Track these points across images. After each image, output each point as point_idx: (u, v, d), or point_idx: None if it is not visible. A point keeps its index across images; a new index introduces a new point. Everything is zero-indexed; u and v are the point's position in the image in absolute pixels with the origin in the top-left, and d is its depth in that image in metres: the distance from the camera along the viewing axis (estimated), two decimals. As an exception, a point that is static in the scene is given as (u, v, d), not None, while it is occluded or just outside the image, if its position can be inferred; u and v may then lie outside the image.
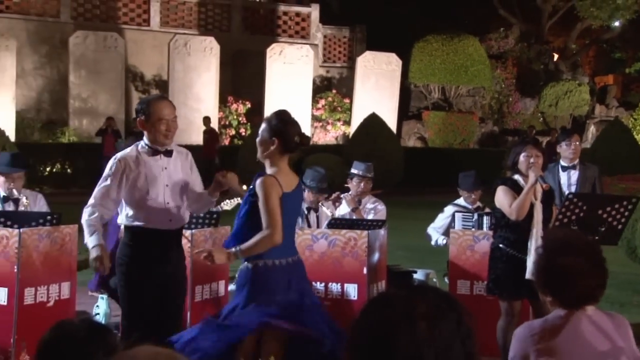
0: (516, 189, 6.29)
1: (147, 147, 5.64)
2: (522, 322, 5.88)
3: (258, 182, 5.02)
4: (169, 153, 5.66)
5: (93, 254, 5.50)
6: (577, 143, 8.11)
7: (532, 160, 6.29)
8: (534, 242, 6.16)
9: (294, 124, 5.15)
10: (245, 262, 5.13)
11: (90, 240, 5.52)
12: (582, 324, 3.21)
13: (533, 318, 6.28)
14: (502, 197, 6.34)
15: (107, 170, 5.65)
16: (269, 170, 5.08)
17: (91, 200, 5.62)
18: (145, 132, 5.66)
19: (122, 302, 5.72)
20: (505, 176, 6.65)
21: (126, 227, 5.61)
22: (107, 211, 5.62)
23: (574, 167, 8.05)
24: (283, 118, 5.13)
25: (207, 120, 23.25)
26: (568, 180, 7.99)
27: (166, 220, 5.53)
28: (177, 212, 5.60)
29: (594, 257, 3.24)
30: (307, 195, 8.12)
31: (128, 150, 5.73)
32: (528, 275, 6.14)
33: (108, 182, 5.60)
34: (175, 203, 5.62)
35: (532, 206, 6.25)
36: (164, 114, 5.56)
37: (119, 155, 5.73)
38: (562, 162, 8.07)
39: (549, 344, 3.18)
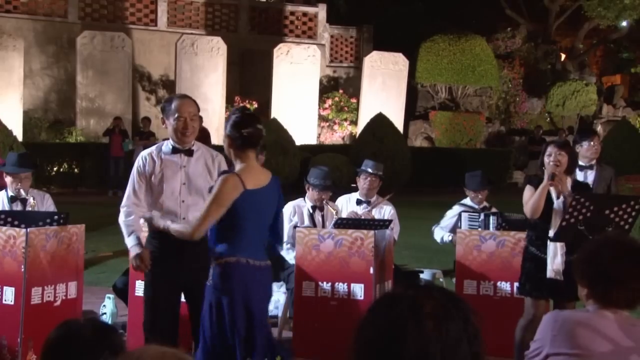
0: None
1: (169, 145, 5.71)
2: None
3: (219, 178, 4.93)
4: (189, 152, 5.70)
5: (132, 252, 5.60)
6: (599, 143, 8.18)
7: (551, 159, 6.32)
8: (553, 243, 6.19)
9: (243, 119, 4.98)
10: (215, 262, 5.00)
11: (129, 241, 5.63)
12: (602, 323, 3.19)
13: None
14: (525, 196, 6.43)
15: (133, 169, 5.73)
16: (236, 167, 5.01)
17: (124, 201, 5.71)
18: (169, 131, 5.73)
19: (144, 295, 5.79)
20: (531, 175, 6.68)
21: (148, 222, 5.70)
22: (141, 209, 5.68)
23: (590, 167, 8.08)
24: (233, 114, 5.06)
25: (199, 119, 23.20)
26: (584, 179, 8.02)
27: (180, 218, 5.54)
28: (194, 211, 5.50)
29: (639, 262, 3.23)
30: (312, 193, 8.13)
31: (153, 147, 5.81)
32: (549, 274, 6.18)
33: (134, 180, 5.69)
34: (193, 202, 5.63)
35: (552, 205, 6.28)
36: (182, 111, 5.60)
37: (143, 152, 5.81)
38: (580, 162, 8.10)
39: (566, 333, 3.17)
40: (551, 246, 6.21)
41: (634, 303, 3.25)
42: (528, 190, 6.42)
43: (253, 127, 4.97)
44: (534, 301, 6.36)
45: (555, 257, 6.18)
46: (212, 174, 5.70)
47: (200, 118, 21.62)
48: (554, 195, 6.31)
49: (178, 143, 5.68)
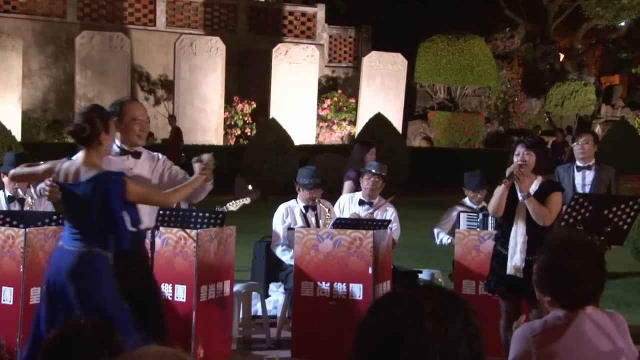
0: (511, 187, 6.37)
1: (116, 147, 5.77)
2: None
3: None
4: (137, 155, 5.80)
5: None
6: (588, 144, 8.09)
7: (519, 158, 6.33)
8: (513, 239, 6.24)
9: (76, 117, 5.28)
10: None
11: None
12: (583, 324, 3.19)
13: (528, 314, 6.32)
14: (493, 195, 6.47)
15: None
16: None
17: None
18: (117, 133, 5.72)
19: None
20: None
21: None
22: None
23: (589, 168, 8.05)
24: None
25: (172, 119, 23.02)
26: (582, 180, 8.01)
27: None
28: (143, 214, 5.66)
29: (596, 258, 3.24)
30: (303, 194, 8.13)
31: None
32: (508, 271, 6.22)
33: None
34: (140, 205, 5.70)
35: (515, 203, 6.29)
36: (137, 115, 5.72)
37: None
38: (578, 162, 8.10)
39: (550, 346, 3.15)
40: (511, 243, 6.25)
41: (598, 297, 3.26)
42: (495, 190, 6.44)
43: (72, 126, 5.22)
44: (502, 300, 6.41)
45: (514, 254, 6.21)
46: (157, 175, 5.84)
47: (174, 118, 21.93)
48: (520, 194, 6.31)
49: (129, 145, 5.77)
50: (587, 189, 7.90)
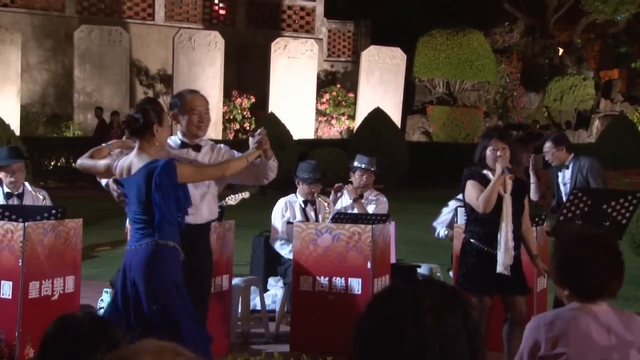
0: (484, 182, 6.27)
1: (178, 140, 5.77)
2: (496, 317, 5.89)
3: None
4: (197, 148, 5.75)
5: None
6: (550, 152, 8.12)
7: (498, 153, 6.28)
8: (504, 236, 6.18)
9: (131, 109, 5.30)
10: None
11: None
12: (591, 317, 3.23)
13: (506, 314, 6.29)
14: (470, 191, 6.32)
15: None
16: None
17: None
18: (178, 125, 5.76)
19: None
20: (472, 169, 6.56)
21: None
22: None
23: (566, 167, 8.10)
24: None
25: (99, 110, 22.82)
26: (563, 179, 8.10)
27: (190, 213, 5.56)
28: (204, 206, 5.67)
29: (610, 249, 3.30)
30: (302, 188, 8.12)
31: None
32: (499, 269, 6.16)
33: None
34: (201, 197, 5.66)
35: (500, 199, 6.24)
36: (197, 105, 5.67)
37: None
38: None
39: (558, 334, 3.21)
40: (502, 241, 6.17)
41: (615, 289, 3.31)
42: (474, 186, 6.26)
43: (125, 117, 5.28)
44: (480, 297, 6.22)
45: (507, 251, 6.15)
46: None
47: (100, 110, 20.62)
48: (501, 189, 6.27)
49: (190, 137, 5.73)
50: (568, 187, 7.93)
